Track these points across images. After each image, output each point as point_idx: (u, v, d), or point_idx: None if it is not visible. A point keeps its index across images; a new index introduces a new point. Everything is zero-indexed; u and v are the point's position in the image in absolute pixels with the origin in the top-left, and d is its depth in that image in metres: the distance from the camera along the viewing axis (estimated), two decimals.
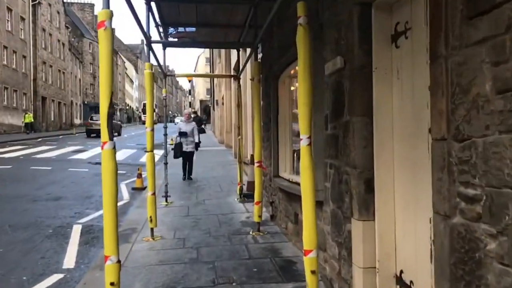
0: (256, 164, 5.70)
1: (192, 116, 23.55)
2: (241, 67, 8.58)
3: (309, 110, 3.00)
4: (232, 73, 16.16)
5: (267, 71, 6.67)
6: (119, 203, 9.01)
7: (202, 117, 25.72)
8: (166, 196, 8.18)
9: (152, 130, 5.59)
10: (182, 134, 10.72)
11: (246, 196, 8.38)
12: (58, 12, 43.23)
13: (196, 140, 10.91)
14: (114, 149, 3.12)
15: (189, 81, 21.95)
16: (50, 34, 40.11)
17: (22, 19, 34.74)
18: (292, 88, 5.69)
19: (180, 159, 11.17)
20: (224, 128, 24.13)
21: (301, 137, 3.07)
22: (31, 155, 16.76)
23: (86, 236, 6.17)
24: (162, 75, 8.12)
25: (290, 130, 5.70)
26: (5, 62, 31.21)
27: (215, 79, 31.03)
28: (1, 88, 30.53)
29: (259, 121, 5.74)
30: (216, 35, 8.27)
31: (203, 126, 19.94)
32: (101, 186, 3.16)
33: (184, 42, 8.35)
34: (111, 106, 3.09)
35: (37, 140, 26.63)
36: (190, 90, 22.47)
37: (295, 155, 5.70)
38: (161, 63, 7.72)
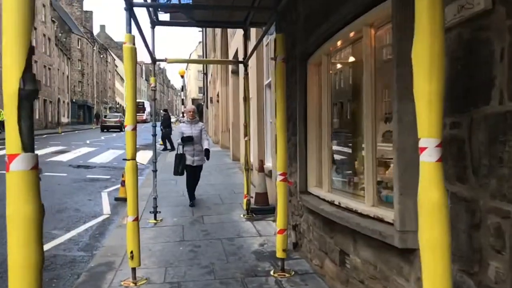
0: (279, 177, 4.11)
1: (163, 113, 21.63)
2: (249, 50, 6.97)
3: (439, 96, 1.44)
4: (234, 62, 14.56)
5: (287, 53, 5.11)
6: (96, 220, 7.41)
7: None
8: (155, 212, 6.56)
9: (134, 129, 3.97)
10: (187, 140, 7.37)
11: (255, 211, 6.79)
12: (44, 5, 41.21)
13: (206, 146, 7.59)
14: None
15: (182, 76, 20.34)
16: (35, 28, 38.07)
17: None
18: (334, 71, 4.10)
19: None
20: (219, 128, 22.50)
21: (422, 144, 1.49)
22: (3, 157, 14.96)
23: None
24: (151, 60, 6.49)
25: (328, 132, 4.10)
26: None
27: (209, 76, 29.37)
28: None
29: (284, 118, 4.14)
30: (218, 14, 6.65)
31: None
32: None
33: (178, 21, 6.72)
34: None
35: None
36: (182, 87, 20.88)
37: (333, 166, 4.11)
38: (149, 44, 6.10)
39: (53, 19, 44.69)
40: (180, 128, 7.71)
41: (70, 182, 10.42)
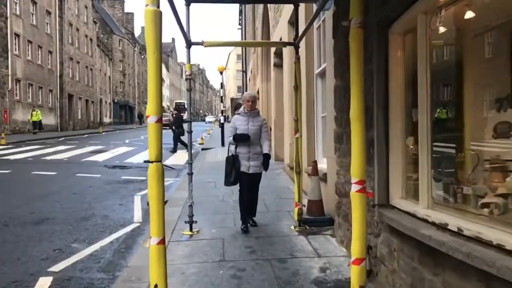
0: (355, 187, 2.98)
1: (174, 114, 20.38)
2: (300, 30, 5.85)
3: None
4: (273, 58, 13.49)
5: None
6: (125, 229, 6.52)
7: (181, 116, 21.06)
8: (191, 222, 5.57)
9: (159, 121, 2.95)
10: (241, 138, 5.58)
11: (308, 222, 5.67)
12: (86, 7, 41.72)
13: (266, 150, 5.73)
14: None
15: (221, 73, 19.45)
16: (77, 29, 38.59)
17: (48, 13, 33.22)
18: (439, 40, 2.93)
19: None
20: None
21: None
22: (41, 157, 14.62)
23: None
24: (185, 43, 5.51)
25: (428, 124, 2.92)
26: (29, 58, 29.68)
27: (249, 73, 28.45)
28: (25, 84, 29.00)
29: (362, 105, 3.00)
30: None
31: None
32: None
33: None
34: None
35: (59, 139, 24.81)
36: (221, 84, 19.99)
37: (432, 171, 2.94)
38: (184, 24, 5.12)
39: (95, 20, 45.28)
40: (234, 122, 5.69)
41: (102, 184, 9.68)
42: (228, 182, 5.89)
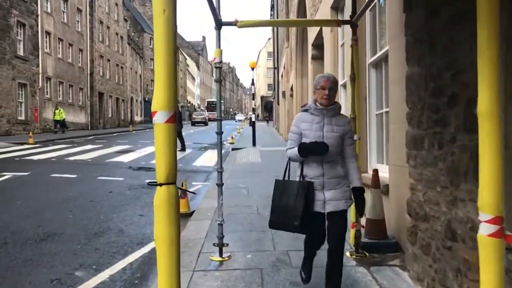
0: (487, 228, 1.82)
1: None
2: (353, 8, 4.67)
3: None
4: (311, 50, 12.28)
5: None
6: (142, 250, 5.44)
7: (189, 110, 18.51)
8: (221, 246, 4.50)
9: (172, 121, 1.87)
10: (314, 150, 3.20)
11: (367, 247, 4.50)
12: (116, 4, 41.60)
13: (357, 182, 3.34)
14: None
15: (252, 68, 18.41)
16: (108, 27, 38.46)
17: (79, 10, 33.11)
18: None
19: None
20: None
21: None
22: (65, 157, 13.96)
23: None
24: (215, 24, 4.44)
25: None
26: (60, 56, 29.57)
27: (281, 69, 27.29)
28: (55, 82, 28.89)
29: (496, 95, 1.82)
30: None
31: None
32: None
33: None
34: None
35: (88, 138, 24.44)
36: (252, 80, 18.92)
37: None
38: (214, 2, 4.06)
39: (125, 18, 45.18)
40: (297, 124, 3.31)
41: (124, 189, 8.78)
42: (294, 227, 3.31)
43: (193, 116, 55.13)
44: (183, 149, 16.52)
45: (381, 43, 5.96)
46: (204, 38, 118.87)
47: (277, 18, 30.80)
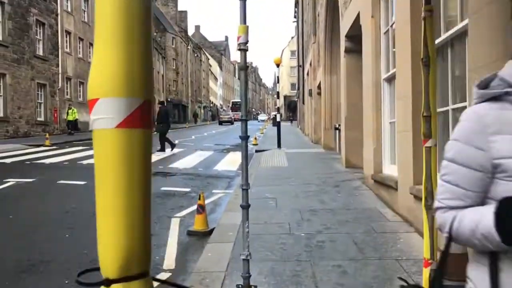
0: None
1: (158, 106, 17.82)
2: None
3: None
4: (344, 42, 11.00)
5: None
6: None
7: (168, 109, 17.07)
8: (248, 277, 3.35)
9: (146, 118, 0.73)
10: None
11: None
12: None
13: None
14: None
15: (277, 65, 17.23)
16: None
17: None
18: None
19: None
20: (320, 125, 19.07)
21: None
22: (78, 160, 13.10)
23: None
24: None
25: None
26: (80, 55, 29.07)
27: (306, 67, 26.01)
28: (76, 83, 28.39)
29: None
30: None
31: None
32: None
33: None
34: None
35: None
36: (278, 78, 17.75)
37: None
38: None
39: None
40: (483, 140, 1.14)
41: None
42: None
43: (221, 116, 60.66)
44: (165, 148, 15.47)
45: (450, 20, 4.70)
46: (226, 38, 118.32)
47: (302, 12, 29.52)
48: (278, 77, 17.99)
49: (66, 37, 27.07)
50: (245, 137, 3.47)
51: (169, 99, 55.76)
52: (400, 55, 5.82)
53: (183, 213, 6.85)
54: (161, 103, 18.36)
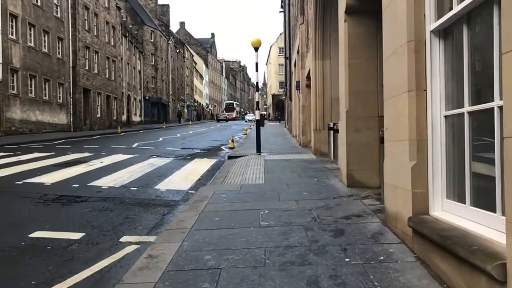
0: None
1: None
2: None
3: None
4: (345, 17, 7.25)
5: None
6: None
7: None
8: None
9: None
10: None
11: None
12: None
13: None
14: None
15: (256, 49, 13.54)
16: (96, 14, 33.83)
17: None
18: None
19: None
20: (309, 124, 15.35)
21: None
22: None
23: None
24: None
25: None
26: (31, 44, 24.99)
27: (294, 57, 22.26)
28: (24, 76, 24.29)
29: None
30: None
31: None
32: None
33: None
34: None
35: (55, 142, 19.81)
36: (256, 64, 13.95)
37: None
38: None
39: (118, 5, 40.51)
40: None
41: None
42: None
43: (219, 115, 72.37)
44: None
45: None
46: (213, 35, 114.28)
47: (289, 1, 25.82)
48: (257, 63, 14.26)
49: (12, 21, 22.99)
50: None
51: (146, 97, 51.71)
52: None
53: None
54: None
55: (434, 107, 3.88)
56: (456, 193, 3.67)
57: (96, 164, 11.34)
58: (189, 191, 7.85)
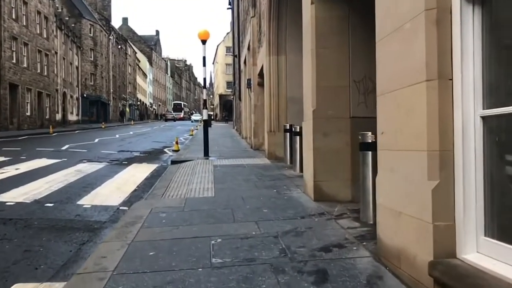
0: None
1: None
2: None
3: None
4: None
5: None
6: None
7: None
8: None
9: None
10: None
11: None
12: None
13: None
14: None
15: (203, 42, 12.07)
16: (25, 3, 30.68)
17: None
18: None
19: None
20: (262, 126, 14.14)
21: None
22: None
23: None
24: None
25: None
26: None
27: (243, 55, 20.99)
28: None
29: None
30: None
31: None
32: None
33: None
34: None
35: None
36: (204, 57, 12.46)
37: None
38: None
39: None
40: None
41: None
42: None
43: (167, 115, 75.14)
44: None
45: None
46: (157, 32, 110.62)
47: (238, 11, 24.54)
48: (204, 57, 12.83)
49: None
50: None
51: (84, 95, 48.38)
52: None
53: None
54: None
55: (465, 104, 2.72)
56: (499, 228, 2.53)
57: (9, 171, 9.41)
58: (121, 207, 6.32)
